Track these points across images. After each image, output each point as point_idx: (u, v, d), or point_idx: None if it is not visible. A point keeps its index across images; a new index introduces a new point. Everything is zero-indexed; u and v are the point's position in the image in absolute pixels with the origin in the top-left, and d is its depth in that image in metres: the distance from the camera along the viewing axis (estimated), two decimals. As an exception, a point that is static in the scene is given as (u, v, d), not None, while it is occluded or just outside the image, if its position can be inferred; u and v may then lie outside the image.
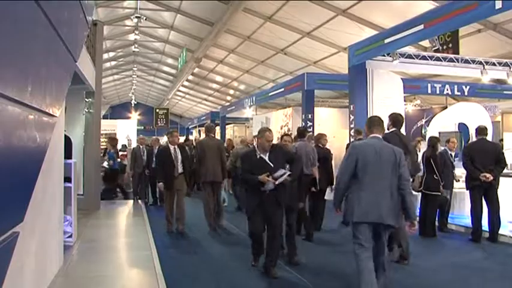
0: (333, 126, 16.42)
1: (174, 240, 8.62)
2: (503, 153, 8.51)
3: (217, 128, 25.41)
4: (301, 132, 8.90)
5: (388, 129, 6.60)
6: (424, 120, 16.79)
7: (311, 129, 13.89)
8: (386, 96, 11.01)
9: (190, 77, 29.63)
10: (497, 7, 6.95)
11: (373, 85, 10.88)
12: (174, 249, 7.91)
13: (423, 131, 13.47)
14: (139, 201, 13.48)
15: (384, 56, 10.91)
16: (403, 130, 11.37)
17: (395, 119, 6.79)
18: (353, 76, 11.20)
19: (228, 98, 33.13)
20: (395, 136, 6.39)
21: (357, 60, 11.00)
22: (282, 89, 17.62)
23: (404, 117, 7.61)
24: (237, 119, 28.17)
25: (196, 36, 21.38)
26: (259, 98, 20.87)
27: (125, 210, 12.24)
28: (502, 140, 13.23)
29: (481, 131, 8.50)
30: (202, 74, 28.86)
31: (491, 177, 8.10)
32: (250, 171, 5.97)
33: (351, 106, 11.27)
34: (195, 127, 37.03)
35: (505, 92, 16.52)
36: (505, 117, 19.56)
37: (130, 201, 13.65)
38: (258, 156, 6.01)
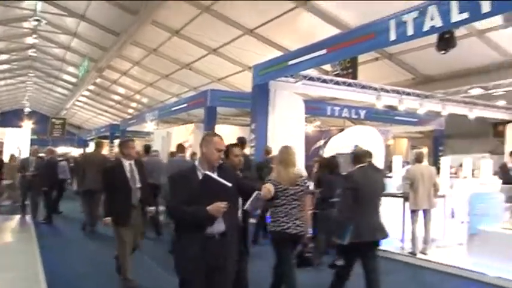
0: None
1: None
2: (384, 177, 9.10)
3: (117, 141, 24.61)
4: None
5: None
6: (322, 141, 17.38)
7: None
8: (287, 117, 11.25)
9: (92, 87, 28.65)
10: (391, 39, 7.41)
11: (275, 105, 11.08)
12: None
13: (320, 152, 13.91)
14: (27, 217, 12.17)
15: (287, 77, 11.16)
16: (302, 150, 11.75)
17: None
18: (256, 95, 11.36)
19: (130, 110, 32.37)
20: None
21: (261, 80, 11.17)
22: (185, 105, 17.48)
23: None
24: (137, 133, 27.48)
25: (100, 45, 20.67)
26: (162, 113, 20.54)
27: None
28: (391, 161, 14.01)
29: (368, 154, 9.05)
30: (105, 84, 28.00)
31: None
32: (188, 202, 3.61)
33: (253, 125, 11.39)
34: (93, 139, 35.68)
35: (396, 118, 17.58)
36: (396, 141, 20.82)
37: (17, 217, 12.34)
38: (201, 176, 3.72)
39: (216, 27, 15.65)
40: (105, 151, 14.56)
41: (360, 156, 5.88)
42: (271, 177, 5.28)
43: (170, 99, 24.98)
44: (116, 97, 30.71)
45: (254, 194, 3.78)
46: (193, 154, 15.25)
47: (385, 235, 5.35)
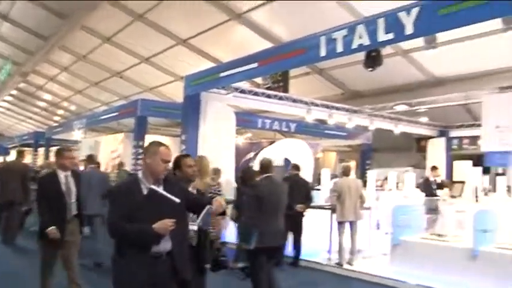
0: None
1: None
2: (310, 190, 9.48)
3: (41, 150, 23.65)
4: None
5: None
6: (252, 154, 17.49)
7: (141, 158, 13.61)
8: (218, 128, 11.24)
9: (14, 92, 27.37)
10: (321, 55, 7.59)
11: (206, 116, 11.04)
12: None
13: (251, 164, 14.00)
14: None
15: (219, 88, 11.18)
16: (232, 162, 11.78)
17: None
18: (187, 106, 11.27)
19: (57, 118, 31.20)
20: None
21: (192, 91, 11.11)
22: (115, 113, 17.04)
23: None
24: (64, 141, 26.48)
25: (25, 48, 19.77)
26: (90, 121, 19.87)
27: None
28: (320, 174, 14.31)
29: (296, 167, 9.38)
30: (29, 90, 26.83)
31: (305, 208, 8.91)
32: (130, 218, 3.30)
33: (183, 136, 11.29)
34: (15, 147, 34.04)
35: (325, 131, 17.99)
36: (325, 154, 21.31)
37: None
38: (146, 190, 3.42)
39: (148, 36, 15.46)
40: (28, 160, 13.93)
41: (266, 166, 6.14)
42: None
43: (99, 107, 24.32)
44: (42, 103, 29.53)
45: (205, 209, 3.60)
46: (121, 164, 14.95)
47: (285, 240, 6.04)
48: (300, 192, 8.97)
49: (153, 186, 3.39)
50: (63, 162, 5.68)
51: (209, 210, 3.59)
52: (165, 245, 3.37)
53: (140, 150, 14.31)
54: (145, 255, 3.32)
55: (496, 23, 6.62)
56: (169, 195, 3.37)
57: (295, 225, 8.91)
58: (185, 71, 12.92)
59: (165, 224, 3.26)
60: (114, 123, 19.82)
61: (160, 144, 3.62)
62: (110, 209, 3.53)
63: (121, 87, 21.16)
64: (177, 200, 3.38)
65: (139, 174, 3.54)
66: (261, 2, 12.36)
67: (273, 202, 5.71)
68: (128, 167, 14.57)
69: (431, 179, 11.88)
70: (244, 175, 8.34)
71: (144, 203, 3.37)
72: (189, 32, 14.91)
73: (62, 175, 5.63)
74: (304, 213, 9.15)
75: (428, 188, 11.75)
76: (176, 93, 17.03)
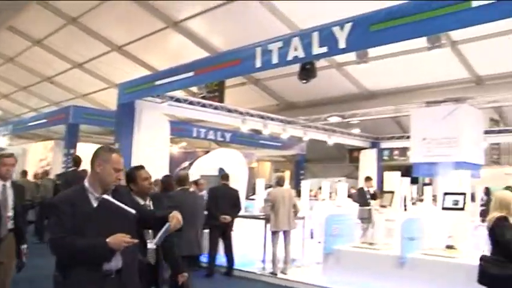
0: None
1: None
2: (239, 199, 9.43)
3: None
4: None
5: None
6: (187, 163, 17.34)
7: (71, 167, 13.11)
8: (152, 137, 11.08)
9: None
10: (257, 66, 7.65)
11: (140, 125, 10.85)
12: None
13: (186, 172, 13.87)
14: None
15: (154, 97, 11.03)
16: (167, 171, 11.62)
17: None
18: (121, 114, 11.04)
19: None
20: None
21: (126, 99, 10.90)
22: (45, 120, 16.38)
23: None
24: (-13, 148, 25.28)
25: None
26: (17, 127, 18.95)
27: None
28: (254, 184, 14.39)
29: (224, 177, 9.38)
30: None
31: (230, 219, 8.90)
32: (76, 233, 2.94)
33: (116, 144, 11.03)
34: None
35: (260, 142, 18.13)
36: (260, 164, 21.47)
37: None
38: (95, 201, 3.08)
39: (82, 41, 15.04)
40: None
41: (182, 180, 6.63)
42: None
43: (28, 113, 23.35)
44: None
45: (165, 227, 3.17)
46: (45, 173, 14.35)
47: (201, 251, 6.20)
48: (228, 201, 9.01)
49: (106, 196, 3.07)
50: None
51: (168, 228, 3.19)
52: (117, 262, 3.03)
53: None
54: (96, 273, 2.96)
55: (422, 42, 6.93)
56: (124, 206, 3.07)
57: (224, 235, 8.96)
58: (120, 78, 12.68)
59: (120, 240, 2.92)
60: (44, 130, 19.08)
61: (111, 150, 3.28)
62: (52, 223, 3.11)
63: (51, 93, 20.43)
64: (133, 212, 3.10)
65: (86, 183, 3.14)
66: (199, 10, 12.35)
67: (188, 213, 5.74)
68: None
69: (366, 189, 12.22)
70: (162, 183, 8.29)
71: (93, 215, 3.00)
72: (124, 38, 14.66)
73: None
74: (232, 223, 9.20)
75: (362, 197, 12.08)
76: (110, 100, 16.63)
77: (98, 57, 15.87)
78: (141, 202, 4.15)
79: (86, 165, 12.34)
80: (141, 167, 4.48)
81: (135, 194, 4.14)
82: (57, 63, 17.16)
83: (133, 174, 4.38)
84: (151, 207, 4.32)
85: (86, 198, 3.06)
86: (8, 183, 5.06)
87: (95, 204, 3.05)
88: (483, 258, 4.73)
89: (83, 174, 9.31)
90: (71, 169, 8.84)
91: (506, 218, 4.61)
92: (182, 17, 12.86)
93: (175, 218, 3.23)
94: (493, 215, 4.68)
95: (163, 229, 3.17)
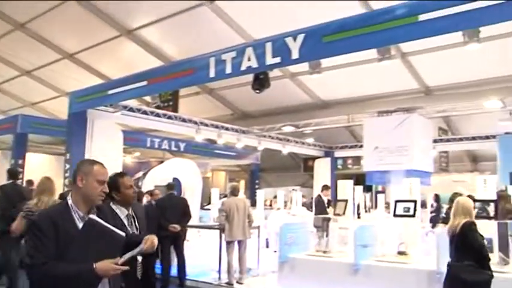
0: (47, 174, 15.36)
1: None
2: (188, 207, 9.34)
3: None
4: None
5: None
6: (141, 173, 17.13)
7: (21, 177, 12.69)
8: (105, 147, 10.88)
9: None
10: (210, 76, 7.65)
11: (92, 134, 10.64)
12: None
13: (140, 183, 13.67)
14: None
15: (107, 106, 10.85)
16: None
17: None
18: (72, 123, 10.80)
19: None
20: None
21: (78, 108, 10.67)
22: (-10, 129, 15.83)
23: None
24: None
25: None
26: (-40, 137, 18.27)
27: None
28: (210, 194, 14.34)
29: (169, 186, 9.32)
30: None
31: (179, 228, 8.78)
32: (58, 258, 2.68)
33: (67, 154, 10.79)
34: None
35: (215, 151, 18.11)
36: (214, 174, 21.41)
37: None
38: (80, 222, 2.82)
39: (31, 48, 14.60)
40: None
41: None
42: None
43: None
44: None
45: (138, 249, 2.92)
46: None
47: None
48: (177, 211, 8.95)
49: (93, 216, 2.78)
50: None
51: (140, 250, 2.94)
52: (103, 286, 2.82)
53: (20, 170, 13.38)
54: None
55: (374, 53, 7.09)
56: (113, 228, 2.80)
57: (175, 245, 8.89)
58: (71, 87, 12.37)
59: (110, 267, 2.69)
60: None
61: (93, 162, 3.02)
62: (32, 245, 2.74)
63: (-2, 101, 19.76)
64: (122, 234, 2.84)
65: (69, 201, 2.86)
66: (153, 19, 12.25)
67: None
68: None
69: (324, 198, 12.35)
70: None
71: (78, 237, 2.71)
72: (76, 46, 14.33)
73: None
74: (185, 232, 9.14)
75: (321, 206, 12.18)
76: (61, 109, 16.26)
77: (48, 64, 15.44)
78: (125, 212, 3.93)
79: (34, 175, 12.02)
80: (124, 174, 4.19)
81: (117, 203, 3.91)
82: (4, 70, 16.56)
83: (117, 181, 3.99)
84: (135, 217, 4.05)
85: (70, 218, 2.78)
86: None
87: (80, 225, 2.77)
88: (454, 265, 4.79)
89: (22, 188, 9.06)
90: (9, 181, 8.49)
91: (475, 223, 4.73)
92: (136, 25, 12.71)
93: (150, 240, 2.99)
94: (458, 221, 4.76)
95: (136, 250, 2.91)
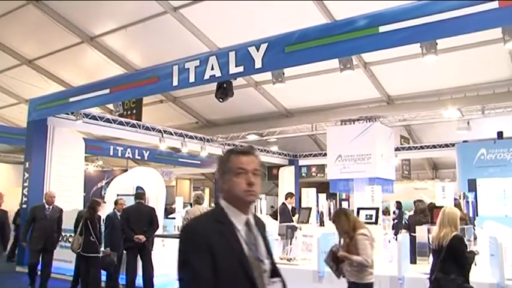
0: (5, 183, 15.02)
1: None
2: (156, 216, 9.24)
3: None
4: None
5: None
6: (104, 182, 16.87)
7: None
8: (66, 155, 10.70)
9: None
10: (174, 84, 7.65)
11: (53, 143, 10.46)
12: None
13: (103, 192, 13.46)
14: None
15: (68, 114, 10.67)
16: (81, 191, 11.26)
17: None
18: (32, 131, 10.58)
19: None
20: None
21: (38, 115, 10.47)
22: None
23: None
24: None
25: None
26: None
27: None
28: (174, 202, 14.22)
29: (138, 195, 9.15)
30: None
31: (144, 238, 8.61)
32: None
33: (27, 163, 10.54)
34: None
35: (179, 160, 17.99)
36: (179, 182, 21.25)
37: None
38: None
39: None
40: None
41: None
42: None
43: None
44: None
45: None
46: None
47: None
48: (143, 220, 8.79)
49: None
50: None
51: None
52: None
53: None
54: None
55: (335, 63, 7.17)
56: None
57: (141, 255, 8.73)
58: (31, 94, 12.13)
59: None
60: None
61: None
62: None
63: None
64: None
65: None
66: (115, 26, 12.10)
67: None
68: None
69: (289, 206, 12.37)
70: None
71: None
72: (36, 52, 14.02)
73: None
74: (151, 242, 9.00)
75: (285, 214, 12.19)
76: (20, 116, 15.88)
77: (5, 70, 15.05)
78: None
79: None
80: None
81: None
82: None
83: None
84: None
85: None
86: None
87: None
88: (443, 278, 4.76)
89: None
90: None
91: (463, 239, 4.80)
92: (98, 32, 12.53)
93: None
94: (445, 231, 4.79)
95: None
